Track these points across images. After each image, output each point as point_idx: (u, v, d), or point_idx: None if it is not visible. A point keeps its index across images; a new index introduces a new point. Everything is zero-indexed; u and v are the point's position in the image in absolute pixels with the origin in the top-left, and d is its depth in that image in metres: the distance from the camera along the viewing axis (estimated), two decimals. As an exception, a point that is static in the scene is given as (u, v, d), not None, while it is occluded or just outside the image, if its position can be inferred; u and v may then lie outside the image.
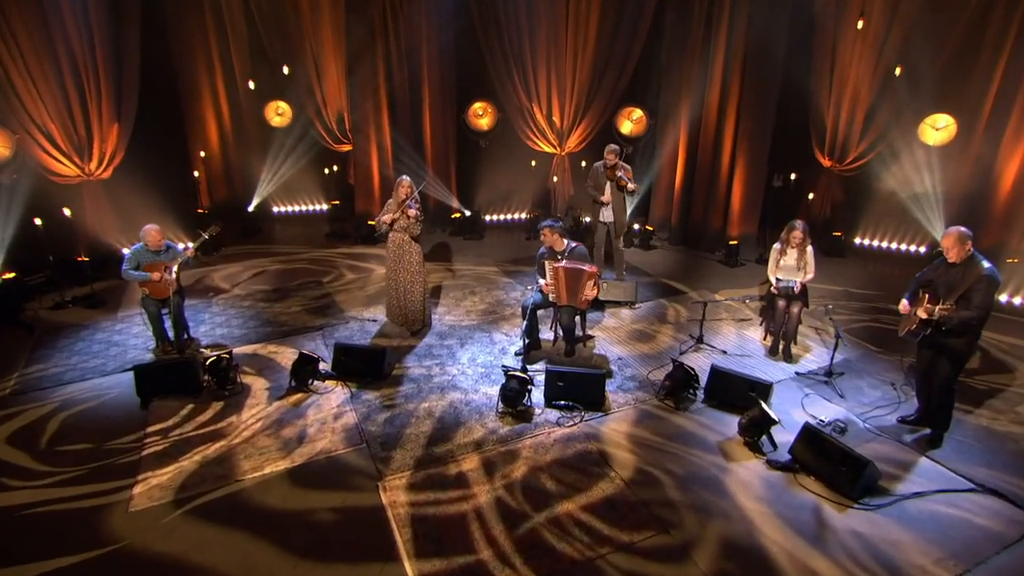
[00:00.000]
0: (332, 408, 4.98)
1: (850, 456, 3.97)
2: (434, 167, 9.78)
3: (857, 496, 3.93)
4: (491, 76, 9.59)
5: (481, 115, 9.97)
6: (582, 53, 9.48)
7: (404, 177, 5.84)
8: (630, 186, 6.90)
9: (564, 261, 5.52)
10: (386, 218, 5.70)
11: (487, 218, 10.39)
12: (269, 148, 9.97)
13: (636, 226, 9.61)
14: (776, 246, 5.88)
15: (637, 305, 6.88)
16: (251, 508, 3.83)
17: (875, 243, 8.87)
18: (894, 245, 8.74)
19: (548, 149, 10.05)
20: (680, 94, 8.98)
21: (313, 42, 9.43)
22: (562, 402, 4.90)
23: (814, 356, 5.83)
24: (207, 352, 5.31)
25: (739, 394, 4.92)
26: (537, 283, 5.59)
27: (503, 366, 5.03)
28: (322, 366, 5.40)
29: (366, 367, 5.30)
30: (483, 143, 10.05)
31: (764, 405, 4.52)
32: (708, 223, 9.06)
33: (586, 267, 5.34)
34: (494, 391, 5.10)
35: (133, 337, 6.10)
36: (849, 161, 8.52)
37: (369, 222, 5.89)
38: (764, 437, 4.49)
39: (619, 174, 6.94)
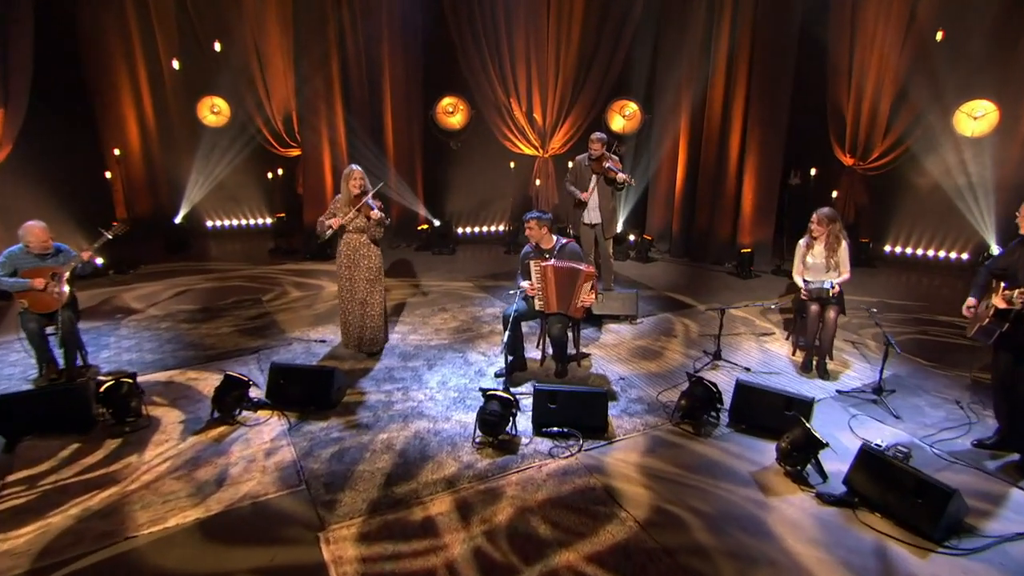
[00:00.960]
0: (264, 443, 4.41)
1: (929, 485, 3.48)
2: (398, 172, 9.47)
3: (940, 537, 3.43)
4: (463, 68, 9.40)
5: (451, 112, 9.74)
6: (566, 41, 9.33)
7: (354, 167, 5.43)
8: (620, 176, 6.54)
9: (553, 260, 5.10)
10: (334, 222, 5.30)
11: (460, 230, 10.12)
12: (202, 151, 9.57)
13: (632, 237, 9.30)
14: (801, 242, 5.57)
15: (639, 320, 6.57)
16: (143, 574, 3.19)
17: (909, 250, 8.66)
18: (931, 252, 8.52)
19: (529, 151, 9.84)
20: (679, 84, 8.81)
21: (255, 28, 9.13)
22: (555, 428, 4.44)
23: (855, 372, 5.47)
24: (103, 378, 4.67)
25: (773, 414, 4.48)
26: (520, 288, 5.13)
27: (481, 388, 4.52)
28: (253, 393, 4.85)
29: (310, 393, 4.79)
30: (454, 144, 9.83)
31: (808, 425, 4.03)
32: (715, 230, 8.82)
33: (582, 267, 5.01)
34: (470, 418, 4.62)
35: (8, 365, 5.44)
36: (874, 158, 8.34)
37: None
38: (810, 465, 4.00)
39: (607, 165, 6.59)
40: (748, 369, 5.43)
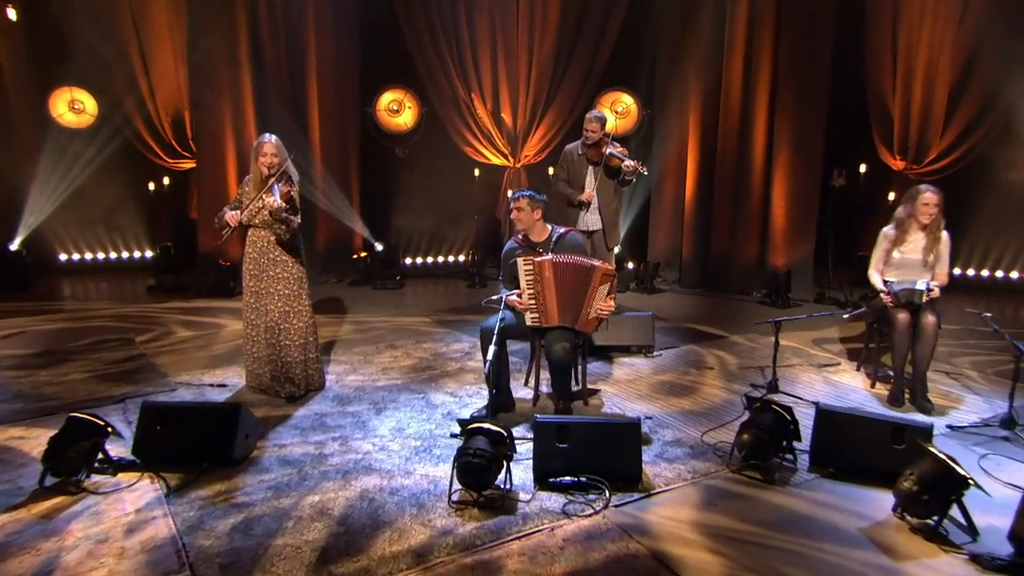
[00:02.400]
0: (124, 515, 3.64)
1: None
2: (327, 187, 9.08)
3: None
4: (412, 55, 9.22)
5: (396, 111, 9.56)
6: (541, 21, 9.24)
7: (267, 137, 4.94)
8: (628, 164, 6.14)
9: (551, 254, 4.65)
10: (230, 217, 4.83)
11: (408, 260, 9.83)
12: (51, 160, 9.03)
13: (630, 264, 8.90)
14: (887, 231, 5.22)
15: (656, 352, 6.19)
16: None
17: (985, 273, 8.47)
18: (1015, 275, 8.30)
19: (496, 160, 9.64)
20: (685, 68, 8.70)
21: (134, 7, 8.78)
22: (567, 478, 3.77)
23: (963, 403, 5.10)
24: None
25: (875, 450, 3.95)
26: (502, 297, 4.56)
27: (459, 420, 3.86)
28: (115, 452, 4.07)
29: (201, 444, 4.08)
30: (400, 151, 9.66)
31: (941, 453, 3.40)
32: (738, 252, 8.53)
33: (596, 262, 4.60)
34: (441, 471, 3.98)
35: None
36: (930, 160, 8.17)
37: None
38: (951, 513, 3.36)
39: (608, 151, 6.17)
40: (817, 404, 4.84)
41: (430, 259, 9.94)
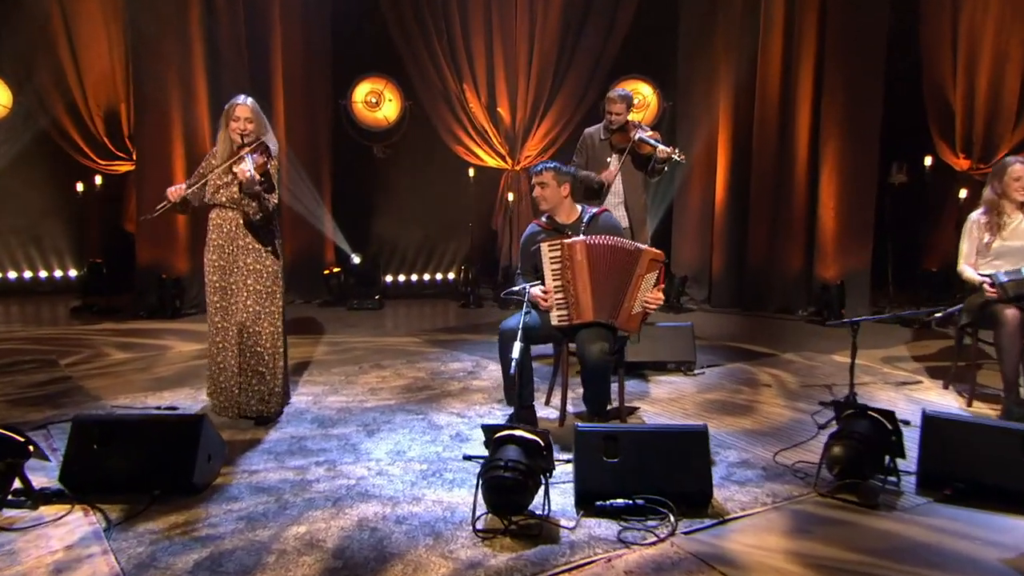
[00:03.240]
0: (51, 553, 3.33)
1: None
2: (293, 191, 8.88)
3: None
4: (394, 38, 9.09)
5: (376, 104, 9.45)
6: (543, 1, 9.13)
7: (243, 99, 4.70)
8: (661, 149, 5.97)
9: (583, 235, 4.49)
10: (171, 192, 4.58)
11: (389, 278, 9.65)
12: None
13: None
14: (976, 217, 5.08)
15: (700, 369, 6.04)
16: None
17: None
18: None
19: (492, 161, 9.49)
20: (713, 53, 8.58)
21: None
22: (620, 500, 3.50)
23: None
24: None
25: (1003, 466, 3.68)
26: (525, 292, 4.39)
27: (484, 426, 3.65)
28: (37, 481, 3.79)
29: (150, 468, 3.75)
30: (379, 151, 9.53)
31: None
32: (779, 263, 8.37)
33: (642, 246, 4.46)
34: (457, 496, 3.81)
35: None
36: (1000, 158, 7.99)
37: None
38: None
39: (638, 136, 6.01)
40: (907, 423, 4.60)
41: (414, 277, 9.71)
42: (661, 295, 4.41)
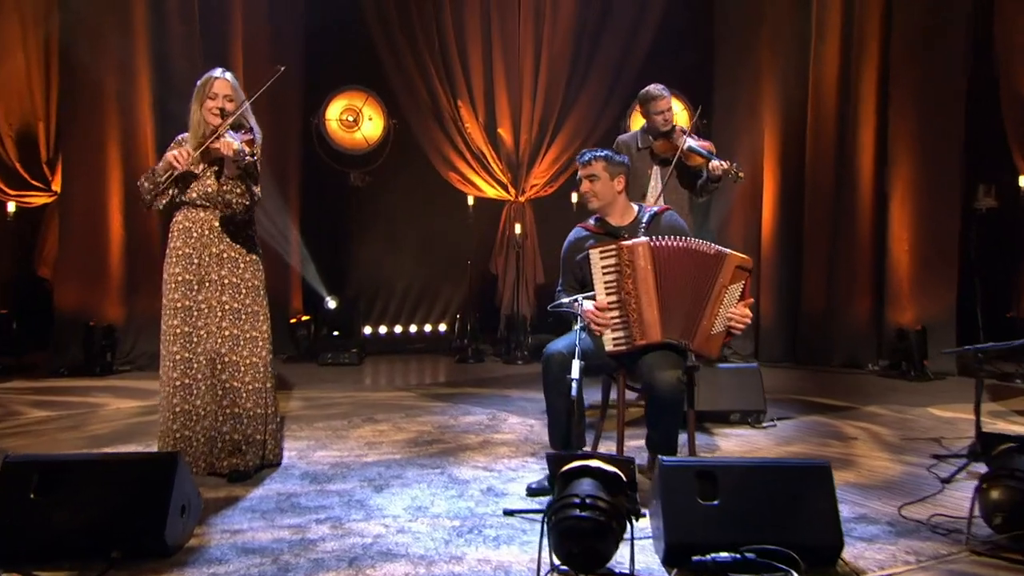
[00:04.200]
0: None
1: None
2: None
3: None
4: (376, 46, 9.08)
5: (353, 123, 9.42)
6: (552, 3, 9.16)
7: (220, 72, 4.57)
8: (716, 165, 5.85)
9: (644, 237, 4.29)
10: (178, 155, 4.34)
11: (368, 330, 9.44)
12: None
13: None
14: None
15: (770, 421, 5.87)
16: None
17: None
18: None
19: (492, 191, 9.43)
20: (756, 63, 8.56)
21: None
22: (725, 555, 3.24)
23: None
24: None
25: None
26: (577, 305, 4.15)
27: (549, 455, 3.36)
28: None
29: (106, 522, 3.44)
30: (357, 178, 9.39)
31: None
32: (842, 307, 8.24)
33: (724, 249, 4.25)
34: (507, 555, 3.51)
35: None
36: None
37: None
38: None
39: (687, 144, 5.91)
40: None
41: (398, 328, 9.49)
42: (749, 312, 4.19)
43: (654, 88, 6.15)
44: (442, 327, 9.48)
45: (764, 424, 5.70)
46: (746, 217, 8.72)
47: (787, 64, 8.38)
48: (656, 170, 6.11)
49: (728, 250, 4.18)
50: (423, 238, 9.38)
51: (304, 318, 8.78)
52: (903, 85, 7.84)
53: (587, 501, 2.96)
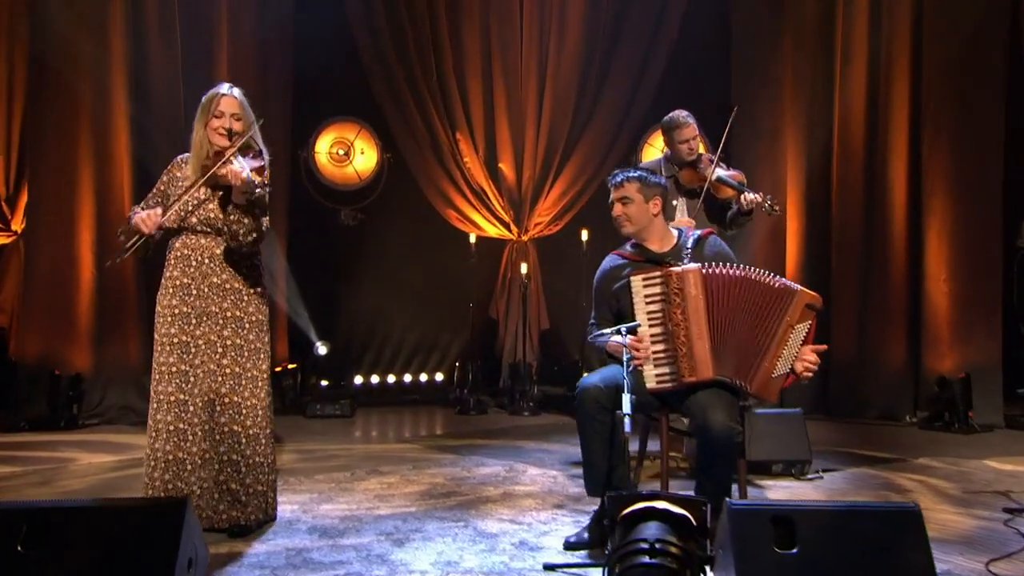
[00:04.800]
0: None
1: None
2: None
3: None
4: (370, 77, 9.15)
5: (345, 156, 9.45)
6: (558, 31, 9.21)
7: (227, 88, 4.47)
8: (748, 197, 5.85)
9: (691, 262, 4.23)
10: (145, 217, 4.31)
11: (359, 380, 9.43)
12: None
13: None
14: None
15: (816, 473, 5.80)
16: None
17: None
18: None
19: (493, 230, 9.43)
20: (777, 91, 8.59)
21: None
22: None
23: None
24: None
25: None
26: (620, 336, 4.04)
27: (610, 495, 3.35)
28: None
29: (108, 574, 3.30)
30: (347, 217, 9.51)
31: None
32: (874, 354, 8.19)
33: (792, 283, 4.18)
34: None
35: None
36: None
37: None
38: None
39: (715, 175, 5.96)
40: None
41: (391, 378, 9.41)
42: (817, 357, 4.07)
43: (679, 115, 6.21)
44: (439, 376, 9.41)
45: (810, 475, 5.62)
46: (767, 254, 8.64)
47: (811, 94, 8.43)
48: (682, 201, 6.09)
49: (797, 285, 4.12)
50: (418, 280, 9.37)
51: (291, 366, 8.70)
52: (936, 116, 7.90)
53: (657, 546, 2.88)
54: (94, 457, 6.48)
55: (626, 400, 3.53)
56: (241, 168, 4.09)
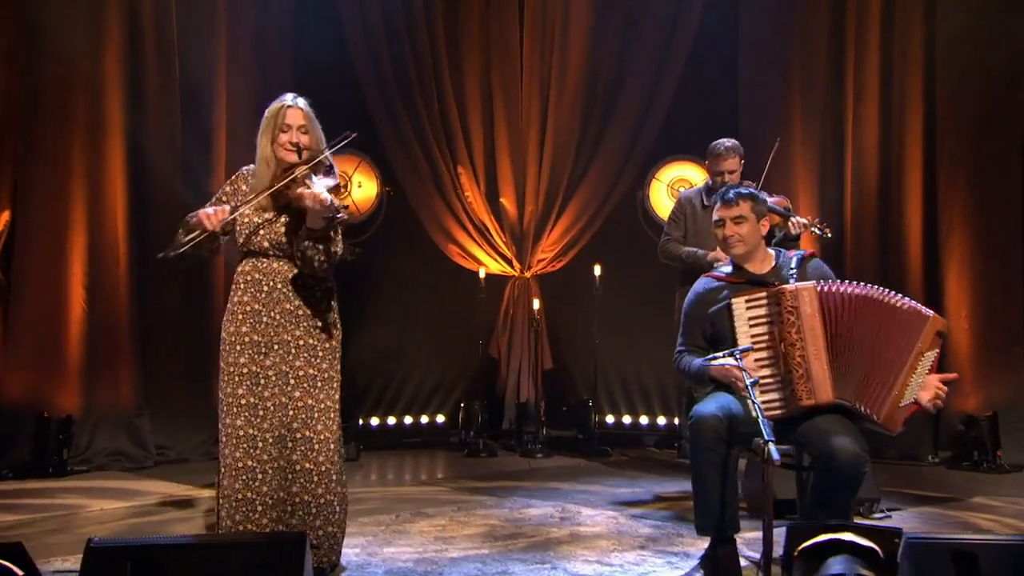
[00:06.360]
0: None
1: None
2: None
3: None
4: (370, 109, 9.02)
5: (344, 189, 8.88)
6: (559, 66, 9.13)
7: (293, 99, 4.33)
8: (796, 221, 5.93)
9: (797, 282, 4.21)
10: (212, 214, 4.12)
11: (360, 421, 9.05)
12: None
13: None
14: None
15: (883, 512, 5.70)
16: None
17: None
18: None
19: (495, 266, 9.24)
20: (789, 130, 8.49)
21: None
22: None
23: None
24: None
25: None
26: (735, 358, 3.93)
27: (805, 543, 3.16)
28: None
29: None
30: (346, 251, 8.86)
31: None
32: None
33: (923, 307, 4.14)
34: None
35: None
36: None
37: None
38: None
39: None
40: None
41: (391, 419, 9.14)
42: (945, 388, 3.98)
43: (721, 144, 6.28)
44: (440, 418, 9.19)
45: (877, 515, 5.54)
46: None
47: (822, 130, 8.45)
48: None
49: (928, 309, 4.04)
50: (419, 318, 9.21)
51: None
52: (952, 144, 7.95)
53: (850, 582, 2.69)
54: (104, 503, 6.20)
55: (764, 425, 3.39)
56: (320, 190, 3.93)
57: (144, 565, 3.06)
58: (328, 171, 4.18)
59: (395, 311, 9.13)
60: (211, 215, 4.00)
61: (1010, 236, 7.84)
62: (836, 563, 2.89)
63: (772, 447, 3.23)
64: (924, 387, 3.93)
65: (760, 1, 8.86)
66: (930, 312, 4.01)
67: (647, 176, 9.15)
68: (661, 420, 8.76)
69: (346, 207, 4.15)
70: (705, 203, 6.27)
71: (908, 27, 8.13)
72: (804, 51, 8.57)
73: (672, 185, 9.11)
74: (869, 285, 4.13)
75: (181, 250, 4.07)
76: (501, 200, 9.06)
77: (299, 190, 3.92)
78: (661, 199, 9.18)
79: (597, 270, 8.53)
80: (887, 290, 4.12)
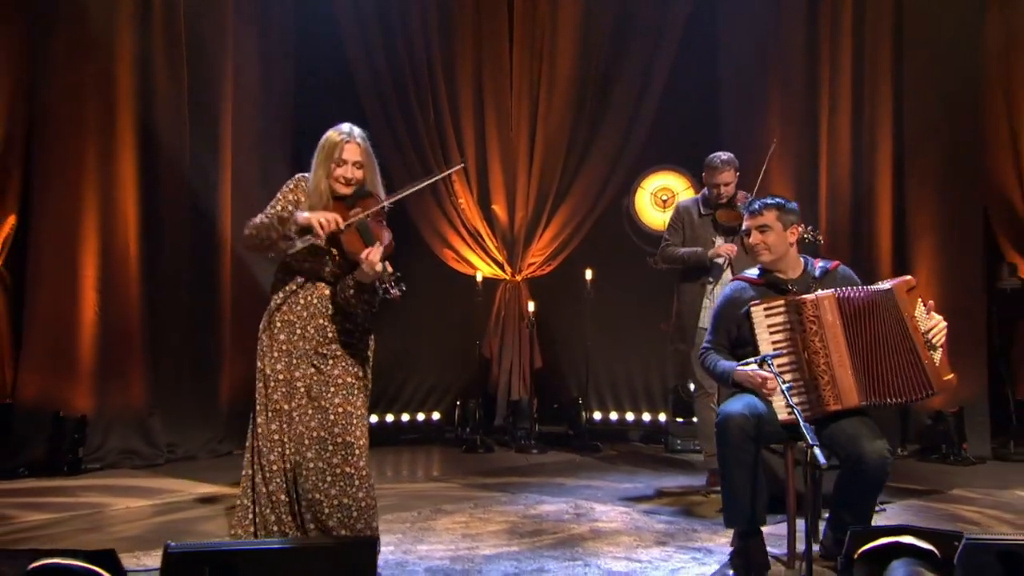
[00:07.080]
0: None
1: None
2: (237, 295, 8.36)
3: None
4: (368, 116, 8.89)
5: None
6: (548, 76, 9.18)
7: (350, 130, 4.23)
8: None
9: (820, 289, 4.27)
10: (326, 222, 3.96)
11: None
12: None
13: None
14: None
15: (880, 506, 5.59)
16: None
17: None
18: None
19: (487, 269, 9.23)
20: (764, 136, 8.43)
21: None
22: None
23: None
24: None
25: None
26: (767, 359, 4.03)
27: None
28: None
29: None
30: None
31: None
32: None
33: (884, 284, 4.34)
34: None
35: None
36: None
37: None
38: None
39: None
40: None
41: (389, 416, 9.11)
42: (938, 317, 4.20)
43: (717, 158, 6.29)
44: (435, 415, 9.19)
45: (877, 508, 5.45)
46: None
47: (798, 138, 8.50)
48: (721, 239, 6.20)
49: (888, 283, 4.21)
50: (418, 320, 9.11)
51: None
52: (921, 153, 8.05)
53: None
54: (129, 501, 6.14)
55: (808, 431, 3.44)
56: (375, 260, 3.87)
57: (221, 569, 3.07)
58: (380, 214, 4.19)
59: (395, 312, 8.96)
60: (326, 222, 3.88)
61: (970, 244, 8.01)
62: (899, 566, 2.93)
63: (817, 451, 3.28)
64: (933, 334, 4.12)
65: (739, 17, 8.91)
66: (888, 284, 4.19)
67: (632, 185, 9.24)
68: (646, 416, 8.83)
69: (398, 278, 4.05)
70: (702, 212, 6.32)
71: (878, 42, 8.24)
72: (782, 64, 8.64)
73: (656, 193, 9.14)
74: (865, 286, 4.30)
75: (294, 250, 4.03)
76: (493, 207, 9.06)
77: (362, 253, 3.86)
78: (646, 207, 9.27)
79: (588, 274, 8.55)
80: (869, 287, 4.29)
